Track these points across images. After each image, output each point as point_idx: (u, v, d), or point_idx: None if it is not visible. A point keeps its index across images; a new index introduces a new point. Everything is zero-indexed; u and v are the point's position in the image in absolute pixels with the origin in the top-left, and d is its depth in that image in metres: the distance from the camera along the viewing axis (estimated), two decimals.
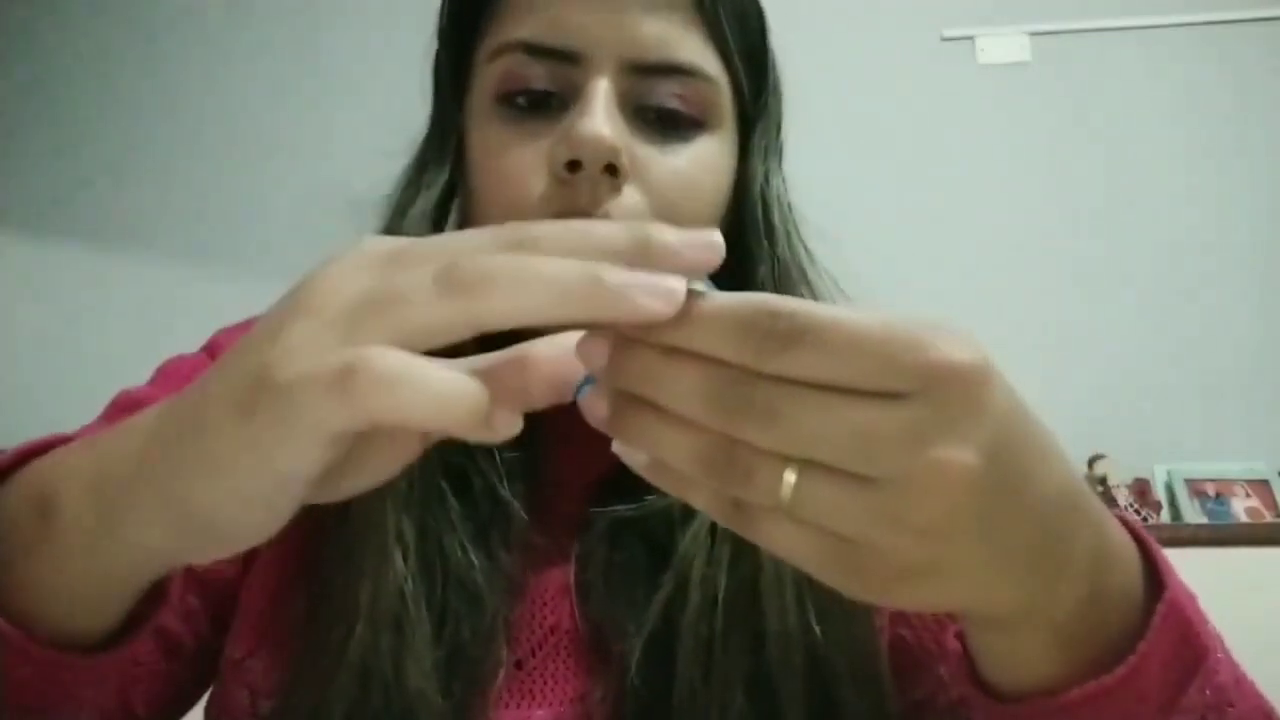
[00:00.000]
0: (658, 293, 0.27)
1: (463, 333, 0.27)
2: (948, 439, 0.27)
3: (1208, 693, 0.37)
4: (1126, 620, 0.36)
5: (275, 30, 2.44)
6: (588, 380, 0.31)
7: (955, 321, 0.28)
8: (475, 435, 0.28)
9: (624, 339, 0.29)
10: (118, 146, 2.40)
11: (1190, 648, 0.37)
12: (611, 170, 0.51)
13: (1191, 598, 0.40)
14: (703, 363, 0.28)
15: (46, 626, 0.37)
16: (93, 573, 0.36)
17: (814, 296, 0.58)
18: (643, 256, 0.28)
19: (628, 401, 0.30)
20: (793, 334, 0.27)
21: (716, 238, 0.28)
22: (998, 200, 2.16)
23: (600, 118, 0.50)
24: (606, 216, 0.51)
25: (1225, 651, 0.40)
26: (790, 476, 0.28)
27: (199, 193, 2.34)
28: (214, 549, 0.33)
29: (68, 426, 0.56)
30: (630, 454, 0.31)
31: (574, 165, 0.50)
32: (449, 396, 0.27)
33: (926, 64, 2.25)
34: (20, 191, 2.38)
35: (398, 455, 0.32)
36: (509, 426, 0.29)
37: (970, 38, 2.25)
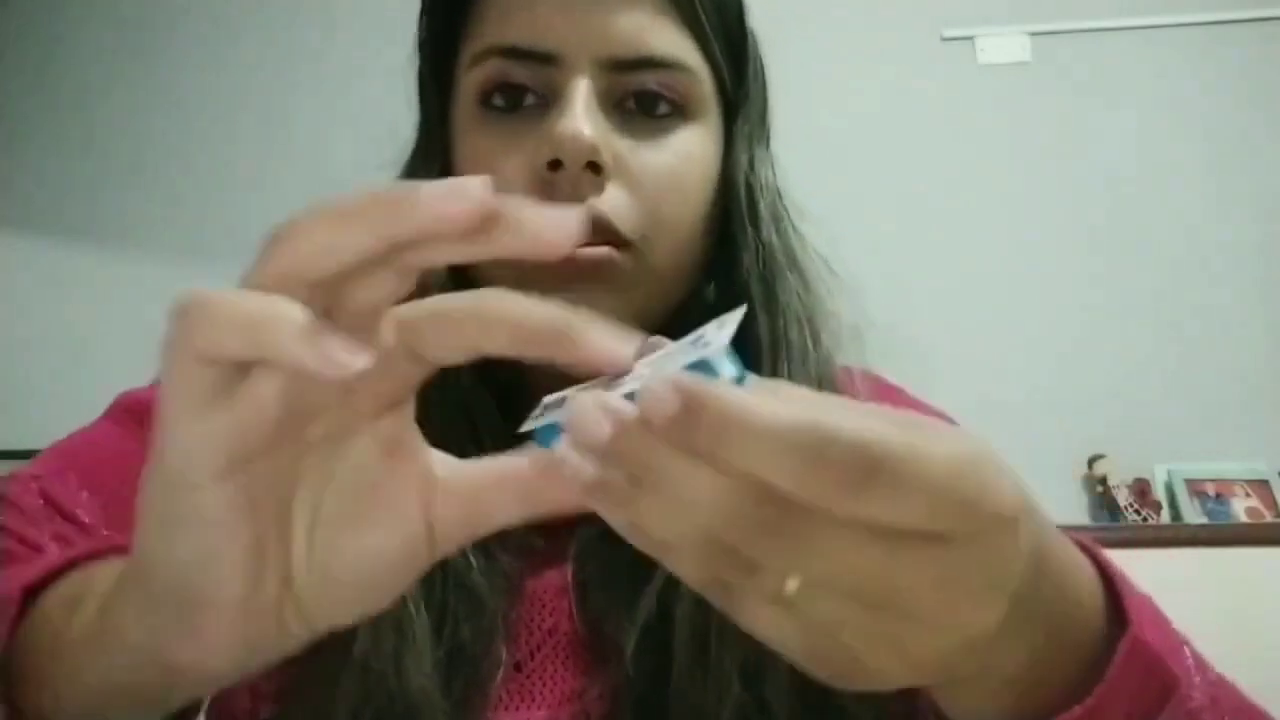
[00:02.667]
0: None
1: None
2: (982, 592, 0.27)
3: None
4: (1087, 656, 0.35)
5: (277, 32, 2.44)
6: (554, 428, 0.27)
7: (986, 445, 0.26)
8: (315, 368, 0.25)
9: (631, 425, 0.25)
10: (118, 147, 2.40)
11: (1158, 680, 0.36)
12: (594, 168, 0.51)
13: (1158, 623, 0.38)
14: (732, 476, 0.25)
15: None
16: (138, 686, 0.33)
17: (804, 282, 0.58)
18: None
19: (618, 474, 0.26)
20: (865, 474, 0.23)
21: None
22: (998, 200, 2.15)
23: (580, 116, 0.50)
24: (591, 210, 0.51)
25: (1201, 672, 0.39)
26: (794, 584, 0.26)
27: (200, 193, 2.34)
28: (181, 619, 0.29)
29: (69, 427, 0.56)
30: (612, 515, 0.27)
31: (555, 164, 0.50)
32: (266, 315, 0.25)
33: (926, 64, 2.25)
34: (21, 191, 2.38)
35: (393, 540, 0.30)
36: (354, 359, 0.25)
37: (970, 38, 2.25)
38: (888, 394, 0.64)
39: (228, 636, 0.29)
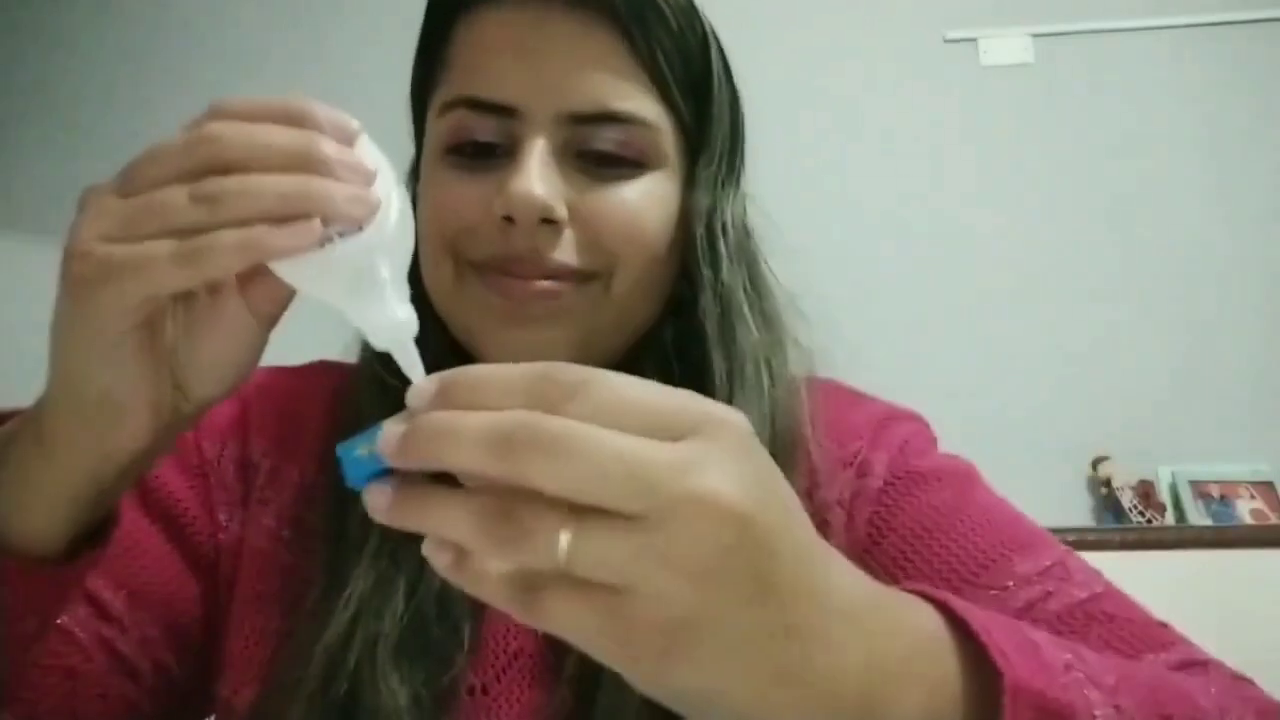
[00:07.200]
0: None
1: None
2: (716, 471, 0.28)
3: None
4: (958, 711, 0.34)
5: (275, 33, 2.44)
6: (374, 468, 0.32)
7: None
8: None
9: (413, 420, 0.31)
10: (117, 147, 2.39)
11: (1055, 715, 0.34)
12: (548, 221, 0.53)
13: (1025, 650, 0.36)
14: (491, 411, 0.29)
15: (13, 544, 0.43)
16: (43, 483, 0.43)
17: (764, 320, 0.59)
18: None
19: (409, 485, 0.31)
20: (576, 385, 0.29)
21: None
22: (1000, 201, 2.15)
23: (533, 176, 0.52)
24: (551, 262, 0.54)
25: (1094, 683, 0.37)
26: (566, 534, 0.28)
27: None
28: (110, 422, 0.40)
29: None
30: (434, 553, 0.31)
31: (510, 219, 0.53)
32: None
33: (929, 65, 2.24)
34: (20, 191, 2.38)
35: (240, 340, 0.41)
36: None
37: (973, 39, 2.25)
38: (843, 400, 0.65)
39: (146, 424, 0.40)
